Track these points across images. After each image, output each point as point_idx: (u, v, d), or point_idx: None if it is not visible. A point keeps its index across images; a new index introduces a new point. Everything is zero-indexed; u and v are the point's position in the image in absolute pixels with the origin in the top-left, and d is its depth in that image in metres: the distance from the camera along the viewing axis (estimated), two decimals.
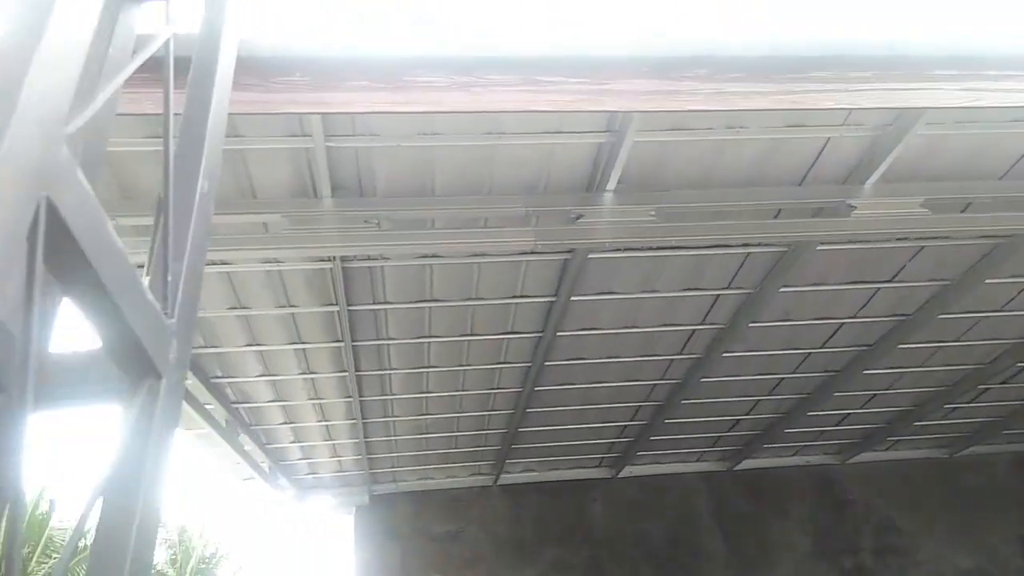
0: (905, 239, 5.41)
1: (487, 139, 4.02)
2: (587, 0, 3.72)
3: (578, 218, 4.24)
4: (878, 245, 5.41)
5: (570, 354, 6.84)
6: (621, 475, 10.37)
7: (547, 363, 6.80)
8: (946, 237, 5.41)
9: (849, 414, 9.16)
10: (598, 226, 4.26)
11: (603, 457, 10.12)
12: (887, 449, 10.71)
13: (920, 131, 4.23)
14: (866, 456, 10.65)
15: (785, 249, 5.39)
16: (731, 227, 4.57)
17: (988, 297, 6.46)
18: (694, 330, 6.61)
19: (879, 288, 6.11)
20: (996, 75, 3.70)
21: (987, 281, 5.91)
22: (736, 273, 5.71)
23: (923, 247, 5.55)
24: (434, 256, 5.03)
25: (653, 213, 4.28)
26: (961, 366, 7.96)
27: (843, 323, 6.70)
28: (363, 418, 7.58)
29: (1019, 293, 6.48)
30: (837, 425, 9.53)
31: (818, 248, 5.24)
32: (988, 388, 8.79)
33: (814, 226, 4.69)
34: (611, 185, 4.28)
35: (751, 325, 6.38)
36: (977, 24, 3.79)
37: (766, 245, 5.36)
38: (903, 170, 4.57)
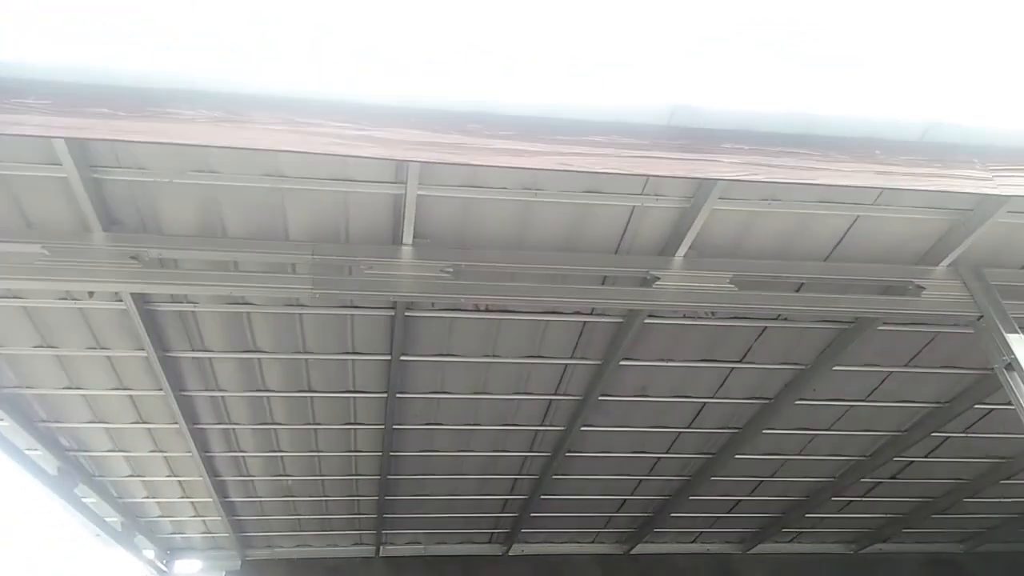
0: (745, 318, 5.32)
1: (268, 181, 3.89)
2: (364, 48, 3.67)
3: (368, 270, 4.08)
4: (712, 323, 5.30)
5: (424, 419, 6.59)
6: (512, 553, 9.94)
7: (397, 426, 6.54)
8: (784, 319, 5.33)
9: (739, 501, 8.89)
10: (391, 279, 4.10)
11: (492, 532, 9.71)
12: (790, 541, 10.41)
13: (721, 206, 4.18)
14: (768, 547, 10.34)
15: (620, 320, 5.26)
16: (540, 290, 4.41)
17: (851, 385, 6.35)
18: (551, 400, 6.41)
19: (732, 368, 5.98)
20: (777, 151, 3.66)
21: (835, 368, 5.80)
22: (577, 343, 5.55)
23: (765, 328, 5.45)
24: (246, 302, 4.84)
25: (450, 270, 4.15)
26: (841, 457, 7.79)
27: (705, 403, 6.53)
28: (213, 475, 7.20)
29: (881, 383, 6.37)
30: (729, 512, 9.24)
31: (647, 321, 5.12)
32: (879, 483, 8.61)
33: (636, 295, 4.55)
34: (407, 239, 4.15)
35: (603, 398, 6.19)
36: (761, 101, 3.77)
37: (600, 314, 5.23)
38: (719, 245, 4.50)
